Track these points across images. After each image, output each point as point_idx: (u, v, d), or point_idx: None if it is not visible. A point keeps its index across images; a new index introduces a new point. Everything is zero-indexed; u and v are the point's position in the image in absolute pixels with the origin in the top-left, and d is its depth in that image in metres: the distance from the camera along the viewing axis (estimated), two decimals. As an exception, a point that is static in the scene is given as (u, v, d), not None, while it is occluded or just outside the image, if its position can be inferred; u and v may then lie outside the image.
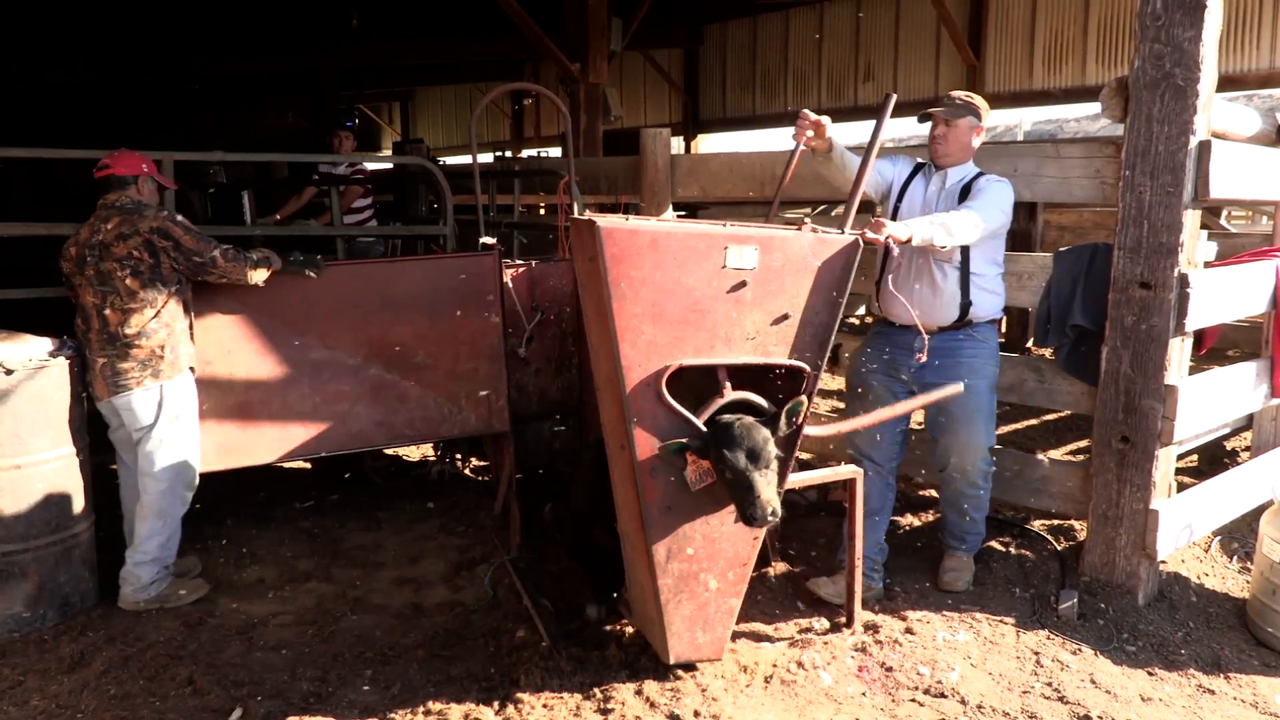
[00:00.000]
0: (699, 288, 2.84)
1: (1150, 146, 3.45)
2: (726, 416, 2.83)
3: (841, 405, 6.48)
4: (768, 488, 2.77)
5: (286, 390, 3.96)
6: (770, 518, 2.74)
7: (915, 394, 3.66)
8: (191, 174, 9.27)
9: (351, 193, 6.99)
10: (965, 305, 3.63)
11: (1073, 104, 11.78)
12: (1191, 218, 3.47)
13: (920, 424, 3.86)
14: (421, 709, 3.04)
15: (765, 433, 2.80)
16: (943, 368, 3.62)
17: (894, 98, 3.25)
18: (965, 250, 3.59)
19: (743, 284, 2.88)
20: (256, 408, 3.94)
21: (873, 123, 3.25)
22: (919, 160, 3.86)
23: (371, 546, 4.38)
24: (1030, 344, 6.73)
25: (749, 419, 2.81)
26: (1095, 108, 13.31)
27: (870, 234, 3.09)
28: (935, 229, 3.32)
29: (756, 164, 4.81)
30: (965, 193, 3.60)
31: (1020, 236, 7.01)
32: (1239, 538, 4.24)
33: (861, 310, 9.55)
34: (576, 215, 4.39)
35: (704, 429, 2.93)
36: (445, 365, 4.16)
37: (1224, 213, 8.73)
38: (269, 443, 3.98)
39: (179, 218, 3.75)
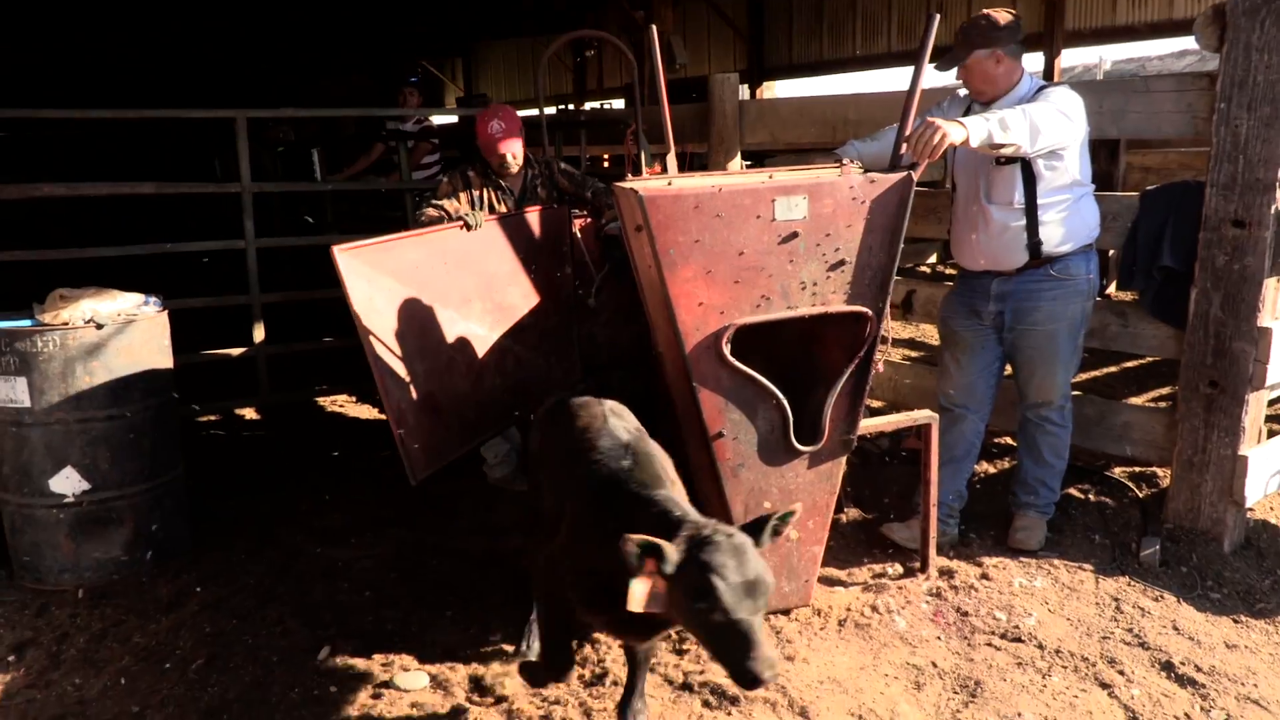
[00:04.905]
0: (750, 244, 2.81)
1: (1248, 77, 3.29)
2: (707, 527, 2.12)
3: (914, 354, 6.40)
4: (766, 637, 2.12)
5: (450, 370, 3.61)
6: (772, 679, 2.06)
7: (1001, 338, 3.60)
8: (261, 133, 9.44)
9: (421, 149, 7.04)
10: (1034, 245, 3.42)
11: (1158, 39, 11.21)
12: (1291, 152, 3.31)
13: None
14: (505, 646, 3.12)
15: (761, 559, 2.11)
16: (1020, 311, 3.52)
17: (937, 18, 3.06)
18: (1029, 184, 3.37)
19: (794, 235, 2.84)
20: (438, 396, 3.51)
21: (948, 68, 3.12)
22: (964, 94, 3.67)
23: (448, 495, 4.48)
24: (1111, 289, 6.52)
25: (741, 536, 2.12)
26: (1180, 44, 12.70)
27: (922, 157, 2.93)
28: (991, 125, 3.04)
29: (827, 108, 4.70)
30: None
31: (1101, 178, 6.74)
32: (1333, 486, 4.10)
33: (933, 259, 9.36)
34: (644, 165, 4.38)
35: (772, 387, 2.90)
36: (540, 323, 4.08)
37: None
38: (456, 433, 3.61)
39: (468, 174, 4.21)
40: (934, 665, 2.97)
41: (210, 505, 4.25)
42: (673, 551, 2.05)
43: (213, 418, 5.69)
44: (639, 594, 2.05)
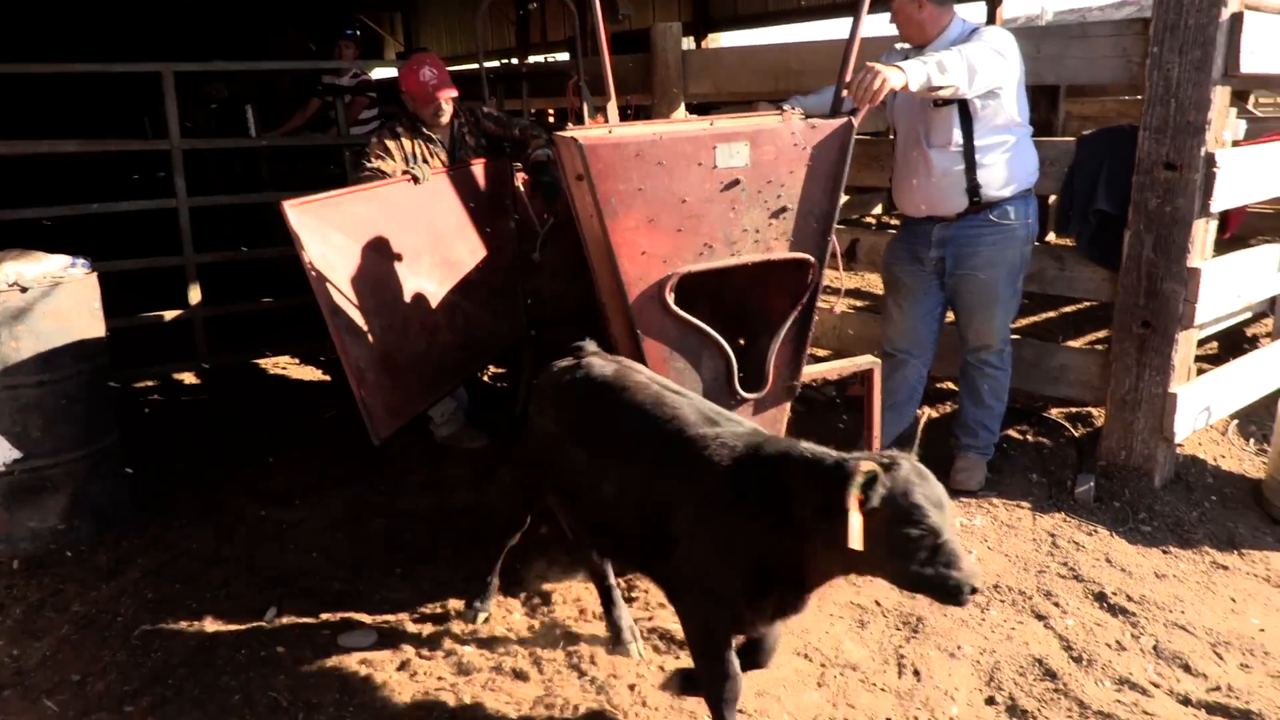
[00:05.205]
0: (692, 192, 2.79)
1: (1180, 20, 3.33)
2: (884, 455, 2.06)
3: (859, 303, 6.46)
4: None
5: (405, 328, 3.52)
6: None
7: (942, 284, 3.64)
8: (194, 90, 9.13)
9: (358, 103, 6.88)
10: (974, 188, 3.47)
11: (1098, -14, 11.28)
12: (1220, 95, 3.37)
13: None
14: (453, 602, 3.13)
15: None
16: (960, 257, 3.57)
17: None
18: (967, 128, 3.41)
19: (736, 182, 2.83)
20: (395, 354, 3.43)
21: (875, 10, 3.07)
22: (903, 48, 3.67)
23: (395, 454, 4.43)
24: (1051, 235, 6.62)
25: (911, 457, 2.08)
26: (1120, -9, 12.80)
27: (863, 102, 2.93)
28: (929, 68, 3.07)
29: (770, 57, 4.68)
30: None
31: (1041, 126, 6.82)
32: (1257, 420, 4.23)
33: (878, 210, 9.42)
34: (587, 117, 4.32)
35: (716, 335, 2.89)
36: (486, 278, 4.01)
37: (1251, 98, 8.46)
38: (414, 391, 3.52)
39: (397, 129, 4.09)
40: (877, 604, 3.04)
41: (151, 471, 4.16)
42: (885, 480, 1.97)
43: (150, 383, 5.56)
44: (857, 529, 1.94)
